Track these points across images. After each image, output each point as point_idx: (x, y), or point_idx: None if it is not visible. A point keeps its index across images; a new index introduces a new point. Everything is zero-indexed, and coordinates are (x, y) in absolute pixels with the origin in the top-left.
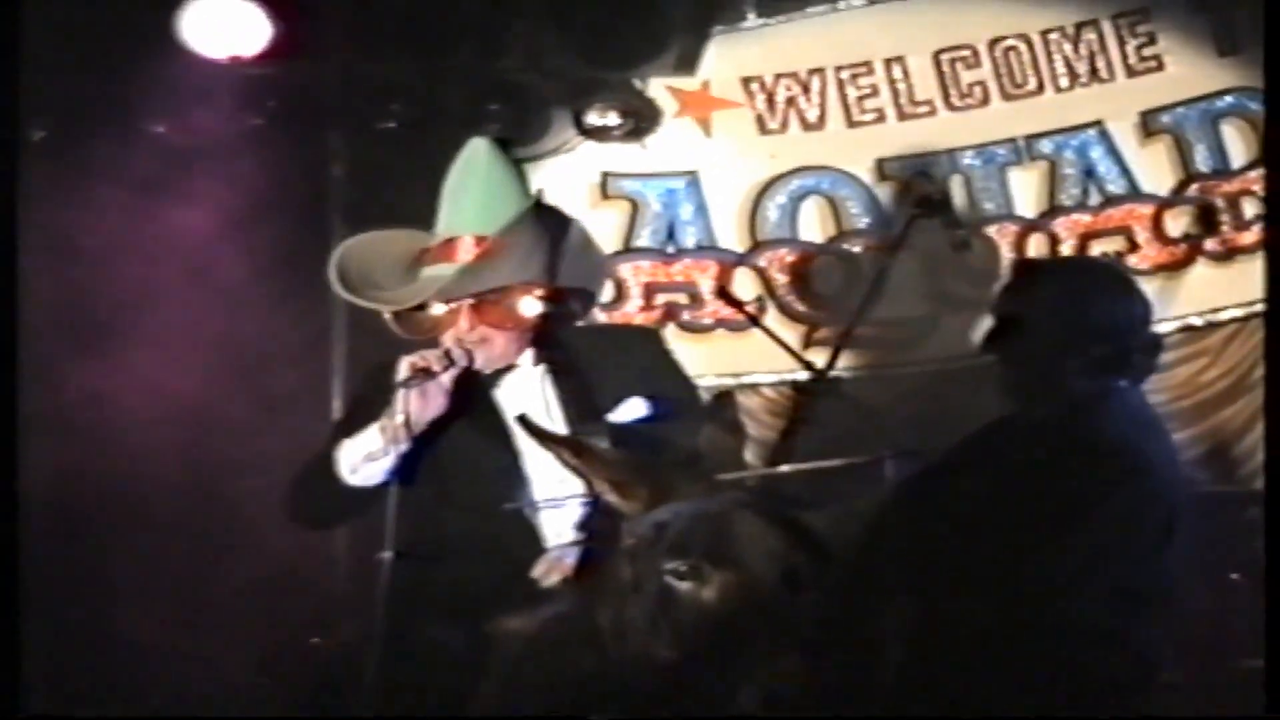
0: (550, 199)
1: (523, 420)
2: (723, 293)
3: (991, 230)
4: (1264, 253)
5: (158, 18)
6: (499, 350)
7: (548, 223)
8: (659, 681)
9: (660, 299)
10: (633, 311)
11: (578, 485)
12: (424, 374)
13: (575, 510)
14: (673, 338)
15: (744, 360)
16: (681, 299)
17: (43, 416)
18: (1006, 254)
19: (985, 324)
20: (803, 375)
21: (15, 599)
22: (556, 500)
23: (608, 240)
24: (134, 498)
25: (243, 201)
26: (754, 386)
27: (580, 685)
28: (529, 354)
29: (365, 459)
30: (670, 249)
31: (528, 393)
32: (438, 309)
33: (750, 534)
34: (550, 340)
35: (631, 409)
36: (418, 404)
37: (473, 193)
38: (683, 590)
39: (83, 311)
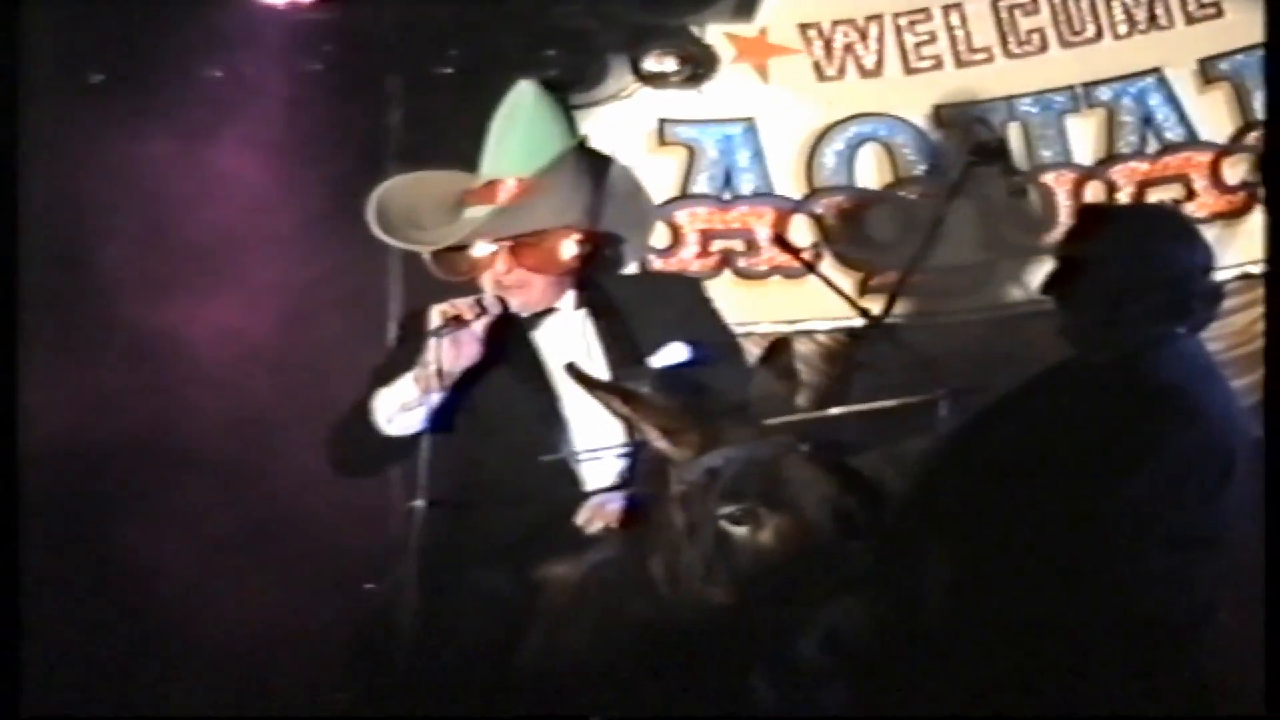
0: (598, 143)
1: (572, 369)
2: (779, 239)
3: (1048, 178)
4: (1264, 219)
5: None
6: (537, 293)
7: (592, 167)
8: (712, 626)
9: (716, 245)
10: (689, 258)
11: (618, 429)
12: (456, 322)
13: (616, 456)
14: (729, 284)
15: (800, 307)
16: (738, 245)
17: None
18: (1064, 201)
19: (1046, 268)
20: (859, 322)
21: (15, 597)
22: (596, 451)
23: (665, 187)
24: (186, 443)
25: (299, 147)
26: (809, 333)
27: (630, 631)
28: (570, 297)
29: (400, 408)
30: (726, 195)
31: (568, 336)
32: (477, 250)
33: (803, 478)
34: (591, 285)
35: (672, 353)
36: (450, 352)
37: (516, 134)
38: (738, 534)
39: (137, 256)
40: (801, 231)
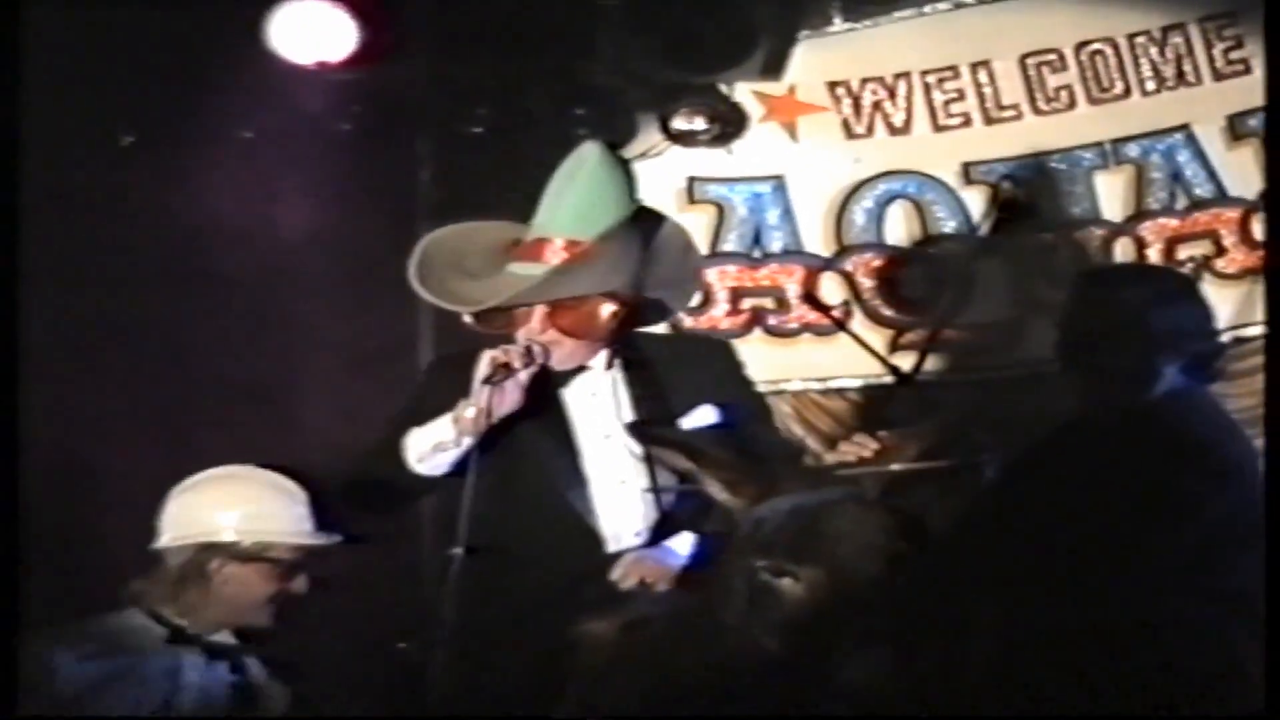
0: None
1: (636, 426)
2: (809, 297)
3: (1078, 234)
4: (1265, 276)
5: (245, 24)
6: (568, 350)
7: (644, 231)
8: (755, 680)
9: (746, 303)
10: (719, 316)
11: (639, 483)
12: (505, 369)
13: (638, 511)
14: (759, 342)
15: (830, 365)
16: (768, 303)
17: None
18: (1093, 258)
19: (1057, 332)
20: (889, 380)
21: (15, 597)
22: (669, 489)
23: None
24: None
25: (330, 207)
26: (840, 391)
27: (673, 687)
28: (602, 356)
29: (434, 449)
30: (756, 253)
31: (599, 394)
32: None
33: (847, 528)
34: (624, 344)
35: (702, 416)
36: (495, 399)
37: (572, 194)
38: (782, 586)
39: (160, 314)
40: (831, 289)
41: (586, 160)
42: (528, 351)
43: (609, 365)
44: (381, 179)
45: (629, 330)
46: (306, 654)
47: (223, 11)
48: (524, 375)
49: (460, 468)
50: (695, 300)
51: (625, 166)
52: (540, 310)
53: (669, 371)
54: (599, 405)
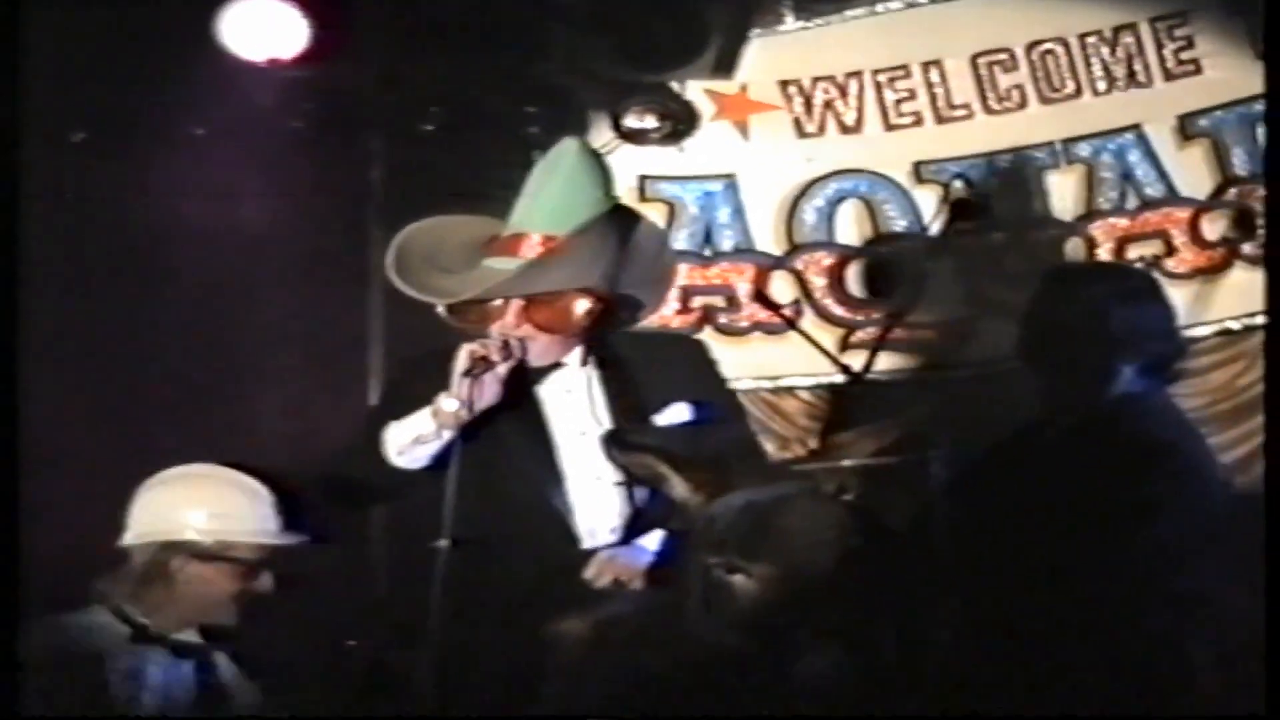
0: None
1: (613, 436)
2: (760, 296)
3: (1029, 234)
4: (1265, 267)
5: (196, 20)
6: (543, 346)
7: (620, 228)
8: (718, 677)
9: (697, 302)
10: (669, 314)
11: (614, 480)
12: (484, 363)
13: (613, 508)
14: (709, 341)
15: (781, 363)
16: (719, 302)
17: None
18: (1044, 258)
19: (1018, 330)
20: (840, 379)
21: (15, 599)
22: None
23: None
24: None
25: (282, 204)
26: (791, 390)
27: (647, 684)
28: (577, 353)
29: (414, 442)
30: (707, 252)
31: (575, 391)
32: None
33: (799, 523)
34: (599, 341)
35: (676, 413)
36: (475, 392)
37: (550, 190)
38: (734, 582)
39: (114, 312)
40: (782, 288)
41: (564, 156)
42: (505, 345)
43: (584, 362)
44: (333, 176)
45: (604, 327)
46: (277, 651)
47: (175, 8)
48: (502, 369)
49: (438, 462)
50: (670, 298)
51: (603, 164)
52: (515, 305)
53: (643, 369)
54: (574, 402)
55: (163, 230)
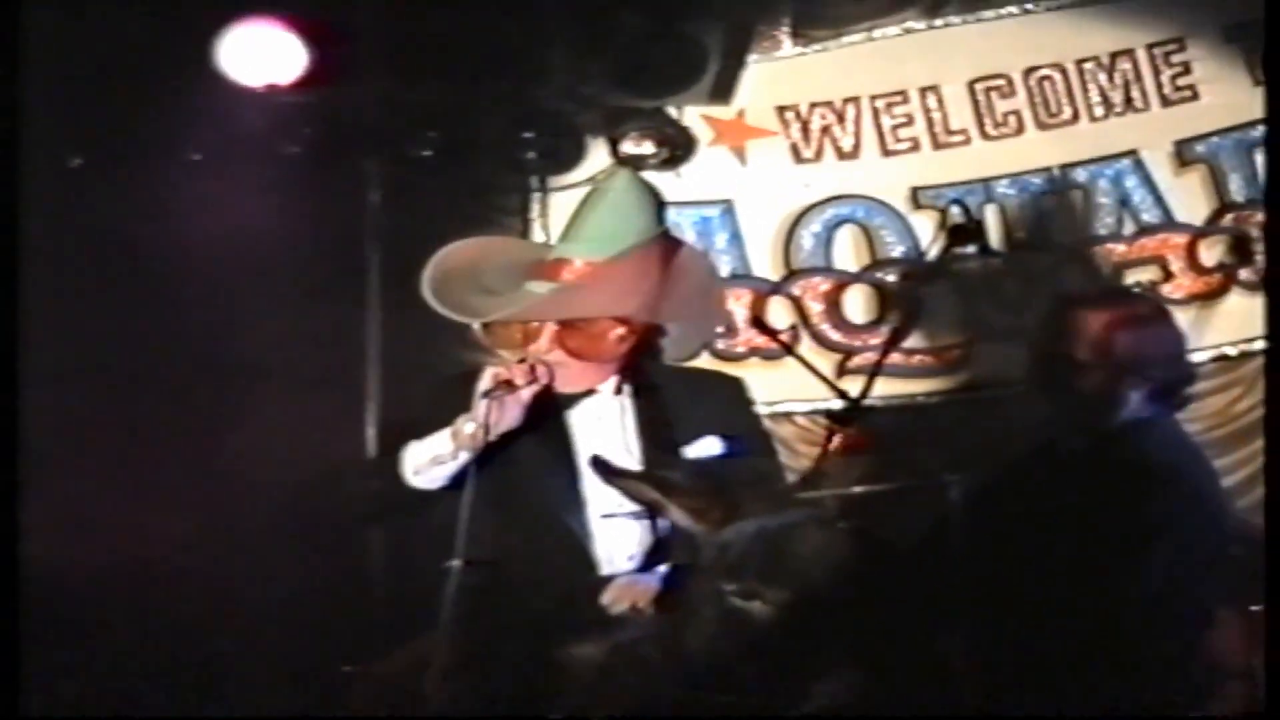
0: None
1: (597, 462)
2: (757, 321)
3: (1026, 259)
4: (1264, 288)
5: (194, 46)
6: (576, 372)
7: (663, 259)
8: (732, 702)
9: None
10: None
11: (632, 509)
12: (507, 385)
13: (632, 536)
14: (706, 366)
15: (778, 389)
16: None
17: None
18: (1042, 283)
19: (1025, 355)
20: (837, 404)
21: (15, 599)
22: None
23: None
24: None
25: (279, 229)
26: (788, 415)
27: (660, 709)
28: (611, 381)
29: (431, 462)
30: None
31: (606, 420)
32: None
33: (812, 550)
34: (636, 371)
35: (707, 446)
36: (494, 414)
37: (595, 218)
38: (751, 609)
39: (114, 336)
40: (779, 313)
41: (612, 185)
42: (531, 369)
43: (618, 390)
44: (330, 201)
45: (641, 356)
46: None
47: (173, 33)
48: (525, 393)
49: (455, 483)
50: (719, 331)
51: (652, 193)
52: (549, 329)
53: (680, 402)
54: (603, 430)
55: (161, 254)
